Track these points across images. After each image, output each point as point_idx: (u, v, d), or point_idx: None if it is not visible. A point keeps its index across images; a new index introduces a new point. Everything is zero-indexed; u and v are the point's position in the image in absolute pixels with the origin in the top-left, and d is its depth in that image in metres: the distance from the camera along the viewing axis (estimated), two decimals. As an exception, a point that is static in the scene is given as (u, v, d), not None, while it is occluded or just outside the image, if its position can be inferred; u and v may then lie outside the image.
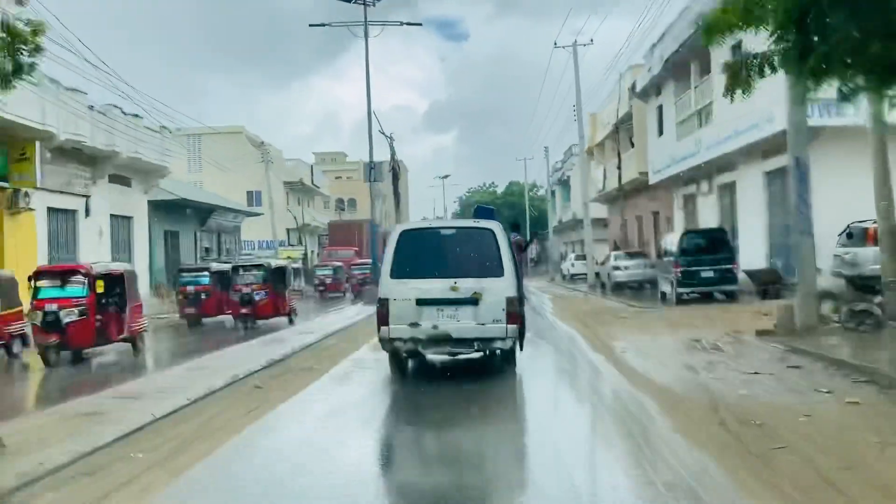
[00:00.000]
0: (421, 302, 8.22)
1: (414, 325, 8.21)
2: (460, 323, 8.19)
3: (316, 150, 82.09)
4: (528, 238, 22.85)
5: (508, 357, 8.76)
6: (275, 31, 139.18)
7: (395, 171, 36.80)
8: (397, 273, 8.38)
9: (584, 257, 33.48)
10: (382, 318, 8.36)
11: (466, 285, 8.16)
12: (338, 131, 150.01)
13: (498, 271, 8.24)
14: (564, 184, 46.45)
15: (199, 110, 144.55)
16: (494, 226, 8.68)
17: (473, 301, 8.10)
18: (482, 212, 10.72)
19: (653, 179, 24.63)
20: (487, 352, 8.67)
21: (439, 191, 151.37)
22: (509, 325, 8.19)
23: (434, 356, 9.08)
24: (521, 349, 8.87)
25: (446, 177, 73.71)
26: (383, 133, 34.58)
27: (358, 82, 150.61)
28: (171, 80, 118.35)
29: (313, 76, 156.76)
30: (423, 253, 8.54)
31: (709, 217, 21.59)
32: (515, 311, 8.23)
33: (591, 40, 32.71)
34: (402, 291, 8.29)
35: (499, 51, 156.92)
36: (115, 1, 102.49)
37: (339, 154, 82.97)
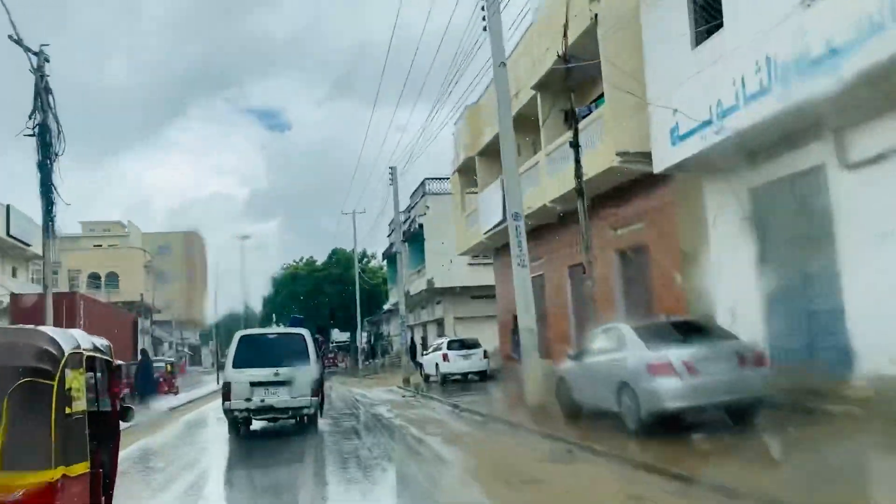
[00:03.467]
0: (253, 384, 13.43)
1: (248, 399, 13.45)
2: (280, 398, 13.47)
3: (86, 219, 71.18)
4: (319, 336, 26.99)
5: (313, 420, 14.43)
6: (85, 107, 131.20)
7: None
8: (237, 364, 13.78)
9: (472, 345, 26.09)
10: (226, 395, 13.66)
11: (285, 372, 13.45)
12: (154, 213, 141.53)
13: (306, 362, 13.84)
14: (414, 238, 39.57)
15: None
16: (304, 331, 14.87)
17: (289, 382, 13.30)
18: (295, 321, 20.39)
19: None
20: (298, 417, 14.30)
21: (254, 269, 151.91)
22: (313, 398, 13.77)
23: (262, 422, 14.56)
24: (322, 415, 15.11)
25: (246, 237, 64.62)
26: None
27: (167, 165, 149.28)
28: None
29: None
30: (255, 350, 14.00)
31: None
32: (318, 389, 14.04)
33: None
34: (240, 377, 13.54)
35: (322, 139, 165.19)
36: None
37: (115, 224, 71.55)
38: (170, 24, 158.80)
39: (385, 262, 51.57)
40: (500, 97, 14.54)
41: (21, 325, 5.83)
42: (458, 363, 25.21)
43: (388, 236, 49.05)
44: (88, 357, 4.88)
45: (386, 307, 57.79)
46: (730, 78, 11.43)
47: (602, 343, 11.47)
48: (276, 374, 13.44)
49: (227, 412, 13.64)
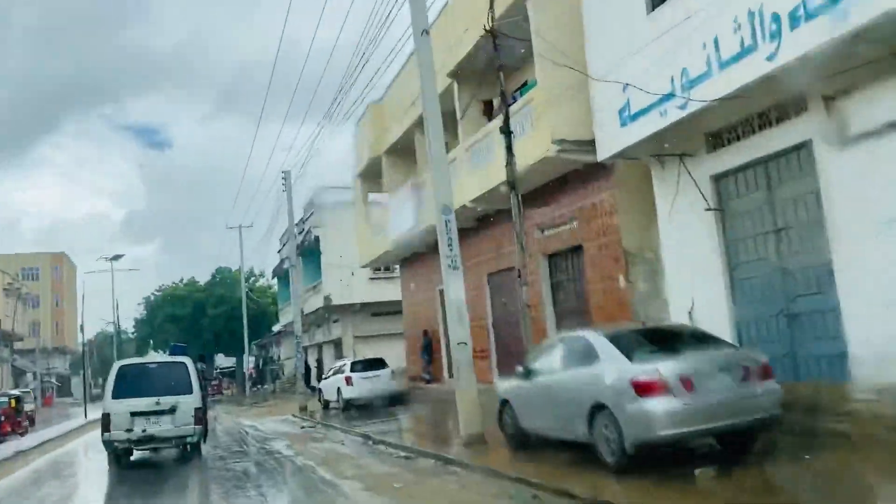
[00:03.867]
0: (134, 413, 13.26)
1: (129, 430, 13.27)
2: (162, 427, 13.38)
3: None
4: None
5: (196, 447, 14.25)
6: None
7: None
8: (116, 395, 13.56)
9: (376, 364, 23.45)
10: (105, 427, 13.40)
11: (167, 401, 13.40)
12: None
13: (188, 390, 13.80)
14: (309, 252, 36.57)
15: None
16: (185, 359, 14.66)
17: (172, 411, 13.31)
18: (177, 349, 16.84)
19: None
20: (181, 446, 14.19)
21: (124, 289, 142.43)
22: (196, 426, 13.72)
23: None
24: (205, 441, 14.90)
25: (116, 258, 59.17)
26: None
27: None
28: None
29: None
30: (135, 380, 13.82)
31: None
32: (200, 416, 13.91)
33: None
34: (120, 407, 13.39)
35: (206, 157, 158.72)
36: None
37: None
38: (40, 35, 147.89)
39: (275, 279, 48.15)
40: (423, 72, 12.35)
41: None
42: (364, 386, 22.65)
43: (279, 251, 45.72)
44: None
45: (276, 328, 54.15)
46: (699, 41, 9.73)
47: (560, 357, 9.40)
48: (158, 404, 13.46)
49: (107, 443, 13.56)
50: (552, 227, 15.70)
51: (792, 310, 9.94)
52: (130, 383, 13.64)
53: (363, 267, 28.64)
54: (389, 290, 34.33)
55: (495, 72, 13.94)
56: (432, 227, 19.78)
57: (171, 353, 16.95)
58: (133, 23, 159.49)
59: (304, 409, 25.61)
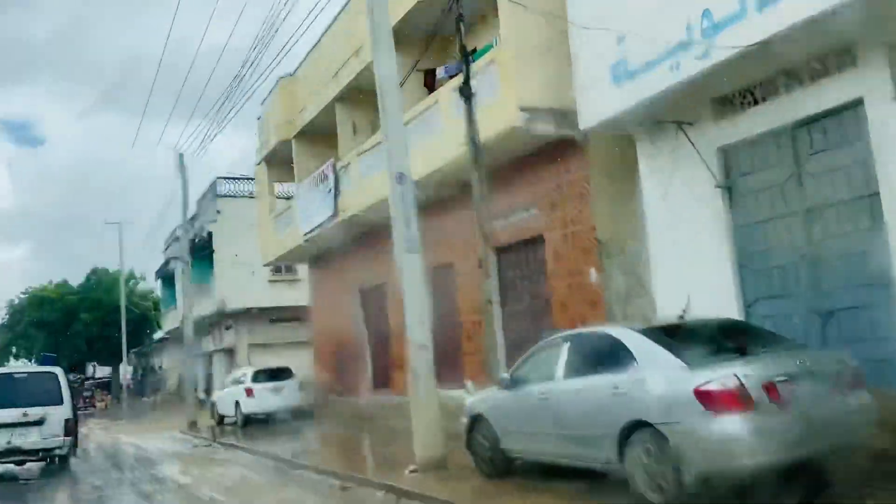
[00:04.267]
0: None
1: None
2: (29, 438, 12.83)
3: None
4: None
5: (65, 459, 13.64)
6: None
7: None
8: None
9: (281, 374, 20.39)
10: None
11: (34, 411, 12.81)
12: None
13: (59, 401, 13.23)
14: (200, 251, 32.88)
15: None
16: (57, 370, 14.01)
17: (40, 422, 12.77)
18: (47, 359, 18.42)
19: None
20: (49, 459, 13.49)
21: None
22: (66, 438, 13.22)
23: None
24: (75, 455, 14.20)
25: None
26: None
27: None
28: None
29: None
30: (1, 389, 13.17)
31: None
32: (71, 427, 13.38)
33: None
34: None
35: (84, 155, 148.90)
36: None
37: None
38: None
39: (159, 281, 43.83)
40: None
41: None
42: (267, 400, 19.79)
43: (164, 251, 41.56)
44: None
45: (159, 336, 49.57)
46: None
47: (566, 360, 7.26)
48: (25, 415, 12.90)
49: None
50: (504, 217, 13.62)
51: (827, 306, 8.26)
52: None
53: (266, 266, 25.68)
54: (290, 294, 31.45)
55: (442, 37, 11.85)
56: (354, 217, 17.38)
57: (41, 363, 19.34)
58: (6, 5, 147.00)
59: (193, 424, 22.36)
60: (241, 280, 30.45)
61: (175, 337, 42.29)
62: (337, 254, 20.81)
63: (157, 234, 38.25)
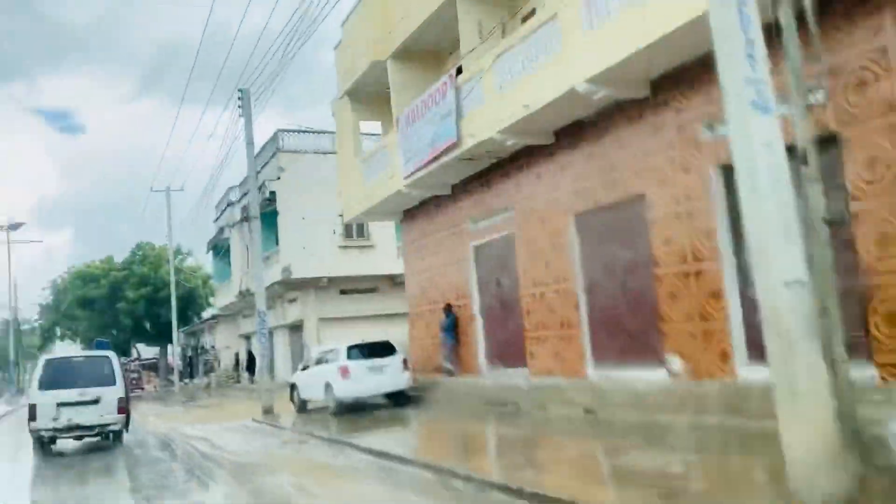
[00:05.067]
0: (60, 404, 13.87)
1: (55, 419, 13.84)
2: (87, 416, 14.07)
3: None
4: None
5: (119, 435, 14.94)
6: None
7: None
8: (42, 387, 14.12)
9: (382, 349, 16.24)
10: (32, 416, 13.94)
11: (91, 392, 14.12)
12: None
13: (112, 382, 14.41)
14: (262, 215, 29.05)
15: None
16: (110, 354, 15.44)
17: (96, 401, 14.08)
18: (100, 344, 18.33)
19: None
20: (104, 435, 14.74)
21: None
22: (119, 415, 14.38)
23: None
24: (127, 430, 15.14)
25: (14, 226, 49.70)
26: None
27: None
28: None
29: None
30: (61, 372, 14.44)
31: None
32: (124, 406, 14.46)
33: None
34: (46, 398, 13.92)
35: (122, 143, 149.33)
36: None
37: None
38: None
39: (210, 253, 40.23)
40: None
41: None
42: (366, 380, 15.85)
43: (216, 220, 37.93)
44: None
45: (210, 313, 46.23)
46: None
47: None
48: (83, 395, 14.03)
49: (33, 432, 14.11)
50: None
51: None
52: (57, 375, 14.31)
53: (349, 222, 21.70)
54: (363, 262, 27.62)
55: None
56: (485, 143, 13.25)
57: (96, 348, 18.14)
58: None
59: (269, 410, 18.55)
60: (309, 246, 26.61)
61: (229, 314, 38.82)
62: (443, 202, 16.78)
63: (206, 206, 34.48)
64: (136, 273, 46.75)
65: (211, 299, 48.12)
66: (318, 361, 17.49)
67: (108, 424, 14.32)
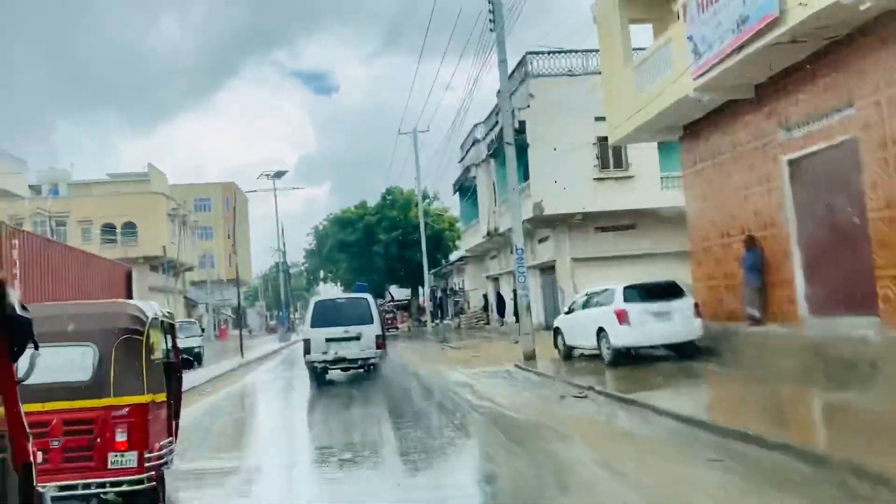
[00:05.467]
0: (328, 340, 15.90)
1: (325, 353, 15.94)
2: (350, 350, 15.96)
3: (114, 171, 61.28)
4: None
5: (377, 367, 17.03)
6: (135, 70, 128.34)
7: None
8: (314, 325, 16.25)
9: (666, 291, 13.40)
10: (306, 350, 16.19)
11: (353, 329, 15.99)
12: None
13: (370, 321, 16.27)
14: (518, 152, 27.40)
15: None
16: (367, 295, 17.91)
17: (357, 338, 15.93)
18: (359, 287, 24.77)
19: None
20: (365, 367, 16.66)
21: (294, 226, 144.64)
22: (378, 350, 16.24)
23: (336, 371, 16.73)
24: (384, 362, 17.46)
25: (279, 174, 53.06)
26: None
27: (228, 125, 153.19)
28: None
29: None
30: (329, 312, 16.51)
31: None
32: (380, 342, 16.34)
33: None
34: (318, 335, 16.03)
35: (370, 101, 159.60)
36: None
37: (141, 175, 59.56)
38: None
39: (457, 195, 39.61)
40: None
41: (116, 300, 9.15)
42: (650, 328, 13.30)
43: (461, 160, 37.00)
44: (162, 321, 6.52)
45: (457, 255, 46.12)
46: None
47: None
48: (346, 332, 15.82)
49: (308, 363, 16.17)
50: None
51: None
52: (325, 315, 16.24)
53: (616, 143, 19.01)
54: (621, 195, 24.72)
55: None
56: (828, 10, 9.78)
57: (355, 291, 21.08)
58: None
59: (530, 356, 16.75)
60: (561, 179, 24.26)
61: (477, 255, 38.05)
62: (741, 109, 13.42)
63: (451, 150, 33.68)
64: (387, 217, 47.95)
65: (457, 242, 48.11)
66: (587, 304, 15.21)
67: (368, 358, 16.14)
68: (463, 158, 36.06)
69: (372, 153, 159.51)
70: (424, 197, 48.44)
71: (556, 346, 16.66)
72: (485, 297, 37.40)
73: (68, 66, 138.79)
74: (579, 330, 15.23)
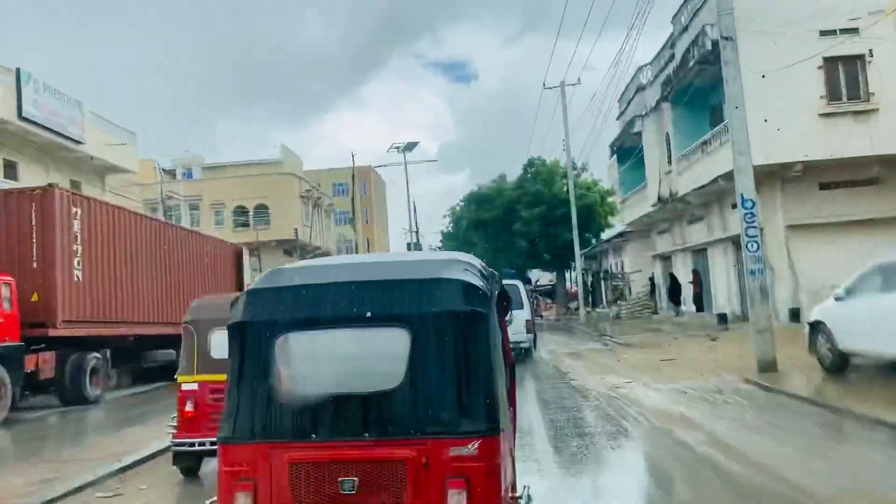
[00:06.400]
0: None
1: None
2: None
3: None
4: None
5: (529, 350, 17.52)
6: (283, 65, 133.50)
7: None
8: None
9: None
10: None
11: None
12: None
13: (521, 306, 16.14)
14: (687, 89, 20.98)
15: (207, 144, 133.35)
16: (517, 282, 18.40)
17: (509, 321, 11.70)
18: (509, 274, 24.78)
19: None
20: (517, 351, 15.75)
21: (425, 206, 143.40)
22: (528, 334, 17.10)
23: None
24: (535, 348, 18.60)
25: (410, 146, 48.49)
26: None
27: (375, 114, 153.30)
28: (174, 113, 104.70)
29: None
30: None
31: None
32: (531, 327, 17.37)
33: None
34: None
35: (508, 87, 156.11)
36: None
37: (275, 163, 57.63)
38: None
39: (615, 158, 33.36)
40: None
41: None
42: None
43: (619, 116, 30.69)
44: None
45: (615, 231, 39.81)
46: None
47: None
48: None
49: None
50: None
51: None
52: None
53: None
54: (859, 138, 17.85)
55: None
56: None
57: (504, 277, 15.84)
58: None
59: (769, 365, 10.70)
60: (772, 118, 17.72)
61: (640, 230, 31.67)
62: None
63: (606, 113, 27.44)
64: (529, 191, 42.30)
65: (610, 218, 41.75)
66: (888, 285, 8.96)
67: (521, 342, 16.40)
68: (623, 112, 29.73)
69: (511, 138, 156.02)
70: (573, 167, 42.34)
71: (811, 349, 10.47)
72: (651, 280, 30.96)
73: (223, 68, 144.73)
74: (869, 327, 9.01)
